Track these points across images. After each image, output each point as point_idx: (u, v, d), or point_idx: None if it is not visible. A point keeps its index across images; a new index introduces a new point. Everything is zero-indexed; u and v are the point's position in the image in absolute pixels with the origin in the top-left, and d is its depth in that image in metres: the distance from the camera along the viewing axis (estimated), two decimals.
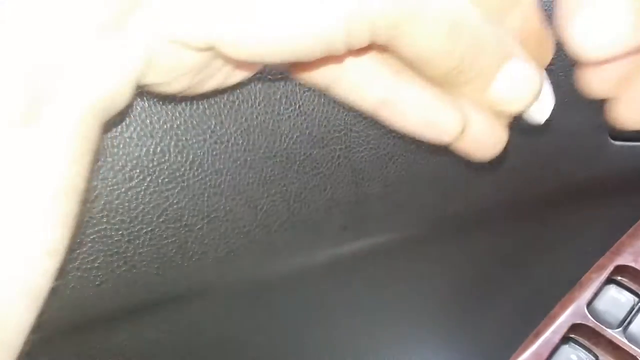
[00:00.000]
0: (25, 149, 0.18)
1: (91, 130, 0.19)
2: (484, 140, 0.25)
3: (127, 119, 0.26)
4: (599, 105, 0.42)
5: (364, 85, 0.24)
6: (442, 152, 0.36)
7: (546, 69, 0.38)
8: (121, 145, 0.26)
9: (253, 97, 0.29)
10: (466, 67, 0.21)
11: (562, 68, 0.39)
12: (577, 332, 0.48)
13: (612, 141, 0.44)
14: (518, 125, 0.38)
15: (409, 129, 0.24)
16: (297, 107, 0.30)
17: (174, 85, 0.21)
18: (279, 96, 0.30)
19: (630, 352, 0.45)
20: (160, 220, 0.28)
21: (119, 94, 0.19)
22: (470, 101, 0.23)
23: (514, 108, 0.23)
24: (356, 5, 0.18)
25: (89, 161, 0.19)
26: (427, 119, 0.23)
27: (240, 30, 0.18)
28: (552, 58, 0.39)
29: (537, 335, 0.49)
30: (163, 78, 0.21)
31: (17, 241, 0.18)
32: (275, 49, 0.18)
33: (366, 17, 0.18)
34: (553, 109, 0.41)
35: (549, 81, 0.24)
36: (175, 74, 0.21)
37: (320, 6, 0.18)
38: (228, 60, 0.21)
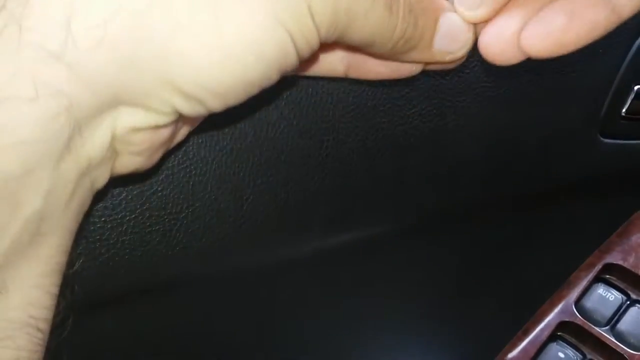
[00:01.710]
0: None
1: None
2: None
3: None
4: (589, 102, 0.42)
5: (330, 60, 0.26)
6: (430, 147, 0.36)
7: (536, 64, 0.38)
8: None
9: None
10: (410, 34, 0.22)
11: (552, 63, 0.39)
12: (565, 330, 0.48)
13: (602, 139, 0.44)
14: (506, 120, 0.38)
15: (377, 78, 0.27)
16: (285, 96, 0.30)
17: (150, 160, 0.22)
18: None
19: (618, 350, 0.45)
20: (144, 207, 0.28)
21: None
22: (418, 61, 0.25)
23: (459, 55, 0.24)
24: (296, 28, 0.18)
25: None
26: (391, 68, 0.26)
27: (204, 87, 0.18)
28: None
29: (525, 333, 0.49)
30: (134, 165, 0.21)
31: None
32: (241, 87, 0.19)
33: (307, 35, 0.19)
34: (543, 106, 0.41)
35: None
36: (147, 156, 0.21)
37: (266, 37, 0.18)
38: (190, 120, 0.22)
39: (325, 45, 0.24)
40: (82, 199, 0.20)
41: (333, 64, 0.26)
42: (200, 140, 0.29)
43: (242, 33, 0.18)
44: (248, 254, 0.32)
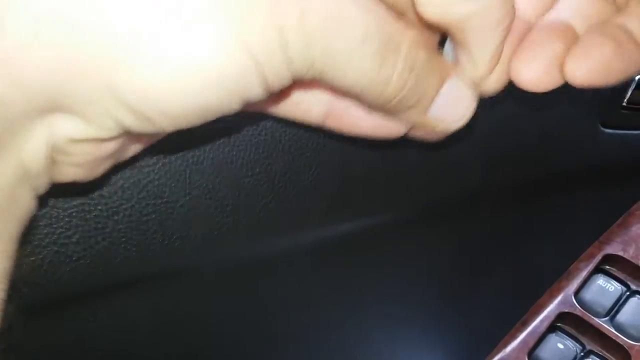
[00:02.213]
0: None
1: None
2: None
3: None
4: (590, 92, 0.41)
5: (306, 102, 0.23)
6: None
7: None
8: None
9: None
10: (405, 94, 0.20)
11: None
12: (565, 321, 0.48)
13: (603, 129, 0.43)
14: (506, 110, 0.38)
15: (358, 133, 0.24)
16: None
17: (94, 172, 0.20)
18: None
19: (617, 340, 0.45)
20: (141, 196, 0.28)
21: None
22: (407, 122, 0.23)
23: (453, 127, 0.23)
24: (264, 57, 0.17)
25: None
26: (373, 123, 0.24)
27: (156, 108, 0.17)
28: None
29: (525, 324, 0.49)
30: (77, 175, 0.19)
31: None
32: (195, 110, 0.17)
33: (276, 66, 0.17)
34: (543, 96, 0.40)
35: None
36: (90, 167, 0.20)
37: (228, 61, 0.16)
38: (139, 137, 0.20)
39: (303, 84, 0.22)
40: (23, 204, 0.18)
41: (309, 107, 0.24)
42: (197, 128, 0.28)
43: (201, 52, 0.16)
44: (245, 244, 0.32)
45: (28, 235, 0.26)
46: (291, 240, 0.34)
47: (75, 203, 0.26)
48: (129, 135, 0.18)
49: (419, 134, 0.25)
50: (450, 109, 0.22)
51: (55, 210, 0.26)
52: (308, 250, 0.36)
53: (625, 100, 0.43)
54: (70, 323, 0.30)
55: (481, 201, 0.42)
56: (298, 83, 0.19)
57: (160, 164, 0.28)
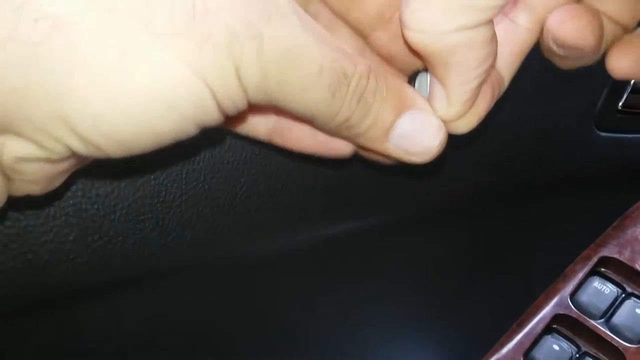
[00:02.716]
0: None
1: None
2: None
3: None
4: (586, 95, 0.42)
5: (253, 120, 0.24)
6: None
7: (533, 57, 0.38)
8: None
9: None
10: (356, 122, 0.21)
11: None
12: (560, 323, 0.48)
13: (599, 132, 0.44)
14: (503, 113, 0.38)
15: (304, 150, 0.24)
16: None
17: (49, 187, 0.20)
18: None
19: (613, 342, 0.45)
20: (137, 195, 0.28)
21: None
22: (370, 149, 0.23)
23: (418, 159, 0.23)
24: (219, 85, 0.17)
25: None
26: (319, 141, 0.24)
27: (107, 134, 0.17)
28: (538, 46, 0.39)
29: (521, 325, 0.49)
30: (30, 189, 0.19)
31: None
32: (148, 138, 0.17)
33: (232, 94, 0.18)
34: (539, 99, 0.41)
35: None
36: (42, 183, 0.19)
37: (181, 90, 0.17)
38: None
39: (258, 108, 0.23)
40: None
41: (256, 125, 0.24)
42: None
43: (151, 81, 0.16)
44: (242, 244, 0.32)
45: (24, 234, 0.26)
46: (288, 240, 0.34)
47: (71, 202, 0.27)
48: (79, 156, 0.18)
49: (374, 159, 0.25)
50: (412, 140, 0.22)
51: (52, 208, 0.26)
52: (305, 250, 0.36)
53: (621, 103, 0.44)
54: (67, 321, 0.30)
55: (477, 203, 0.43)
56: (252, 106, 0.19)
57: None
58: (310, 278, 0.38)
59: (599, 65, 0.41)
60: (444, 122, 0.22)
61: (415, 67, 0.24)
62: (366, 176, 0.34)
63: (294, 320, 0.39)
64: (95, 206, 0.27)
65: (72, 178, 0.24)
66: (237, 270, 0.34)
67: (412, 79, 0.24)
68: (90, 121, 0.16)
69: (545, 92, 0.40)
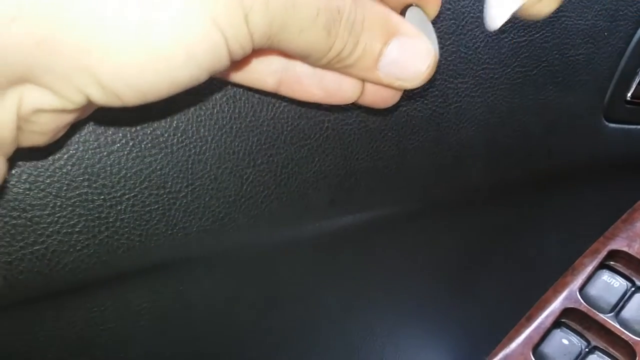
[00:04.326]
0: None
1: None
2: (382, 92, 0.26)
3: None
4: (594, 86, 0.41)
5: (261, 70, 0.25)
6: (433, 129, 0.36)
7: (541, 48, 0.38)
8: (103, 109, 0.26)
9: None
10: (345, 54, 0.22)
11: (556, 47, 0.39)
12: (569, 317, 0.48)
13: (607, 123, 0.43)
14: (510, 103, 0.38)
15: (310, 100, 0.26)
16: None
17: (53, 138, 0.21)
18: None
19: (622, 336, 0.45)
20: (143, 186, 0.28)
21: None
22: (362, 79, 0.24)
23: (409, 84, 0.24)
24: (231, 33, 0.18)
25: None
26: (326, 90, 0.25)
27: (122, 79, 0.17)
28: (545, 36, 0.38)
29: (529, 319, 0.49)
30: (37, 141, 0.20)
31: None
32: (174, 76, 0.18)
33: (241, 39, 0.19)
34: (547, 90, 0.40)
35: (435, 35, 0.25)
36: (50, 135, 0.20)
37: (199, 39, 0.18)
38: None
39: (259, 52, 0.24)
40: None
41: (263, 75, 0.25)
42: (199, 119, 0.28)
43: (174, 33, 0.17)
44: (248, 235, 0.32)
45: (31, 225, 0.26)
46: (293, 231, 0.34)
47: (78, 192, 0.26)
48: (90, 106, 0.19)
49: (370, 99, 0.26)
50: (402, 66, 0.23)
51: (59, 199, 0.26)
52: (310, 242, 0.36)
53: (629, 94, 0.43)
54: (74, 312, 0.30)
55: (485, 195, 0.42)
56: (255, 52, 0.20)
57: (163, 154, 0.28)
58: (316, 269, 0.38)
59: (607, 55, 0.41)
60: (528, 7, 0.23)
61: (405, 3, 0.25)
62: (373, 167, 0.34)
63: (298, 312, 0.39)
64: (102, 197, 0.27)
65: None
66: (243, 260, 0.34)
67: (402, 13, 0.25)
68: (113, 71, 0.17)
69: (553, 83, 0.39)
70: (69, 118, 0.20)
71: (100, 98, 0.18)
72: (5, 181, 0.24)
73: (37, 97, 0.18)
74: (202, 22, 0.17)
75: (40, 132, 0.19)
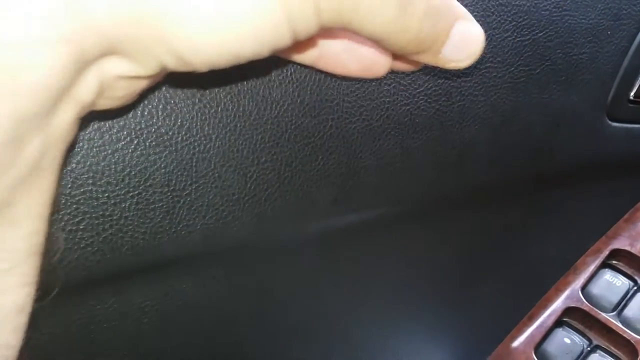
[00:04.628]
0: None
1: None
2: (407, 66, 0.28)
3: None
4: (597, 85, 0.41)
5: (302, 45, 0.26)
6: (436, 128, 0.36)
7: (544, 47, 0.38)
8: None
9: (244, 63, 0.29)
10: (423, 39, 0.22)
11: (559, 45, 0.39)
12: (571, 316, 0.48)
13: (610, 122, 0.43)
14: (513, 102, 0.38)
15: (346, 74, 0.27)
16: (289, 74, 0.30)
17: (125, 103, 0.23)
18: (270, 62, 0.29)
19: (625, 335, 0.45)
20: (147, 184, 0.28)
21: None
22: (422, 62, 0.25)
23: (462, 65, 0.25)
24: (298, 15, 0.19)
25: (49, 209, 0.20)
26: (362, 64, 0.26)
27: (197, 46, 0.19)
28: (549, 35, 0.38)
29: (531, 318, 0.49)
30: (111, 105, 0.22)
31: None
32: (239, 49, 0.20)
33: (307, 21, 0.20)
34: (550, 88, 0.40)
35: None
36: (123, 99, 0.22)
37: (267, 19, 0.19)
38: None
39: (326, 33, 0.25)
40: (71, 137, 0.21)
41: (305, 50, 0.26)
42: (203, 117, 0.29)
43: (243, 11, 0.18)
44: (251, 233, 0.32)
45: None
46: (297, 229, 0.34)
47: (82, 190, 0.27)
48: (162, 72, 0.21)
49: (404, 68, 0.28)
50: (460, 49, 0.24)
51: (63, 197, 0.26)
52: (313, 240, 0.36)
53: (632, 94, 0.43)
54: (77, 309, 0.30)
55: (488, 194, 0.42)
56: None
57: (167, 152, 0.28)
58: (319, 267, 0.38)
59: (610, 55, 0.41)
60: None
61: None
62: (376, 166, 0.34)
63: (300, 311, 0.39)
64: (106, 195, 0.27)
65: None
66: (246, 258, 0.34)
67: None
68: (187, 43, 0.19)
69: (556, 82, 0.39)
70: (143, 84, 0.22)
71: (174, 66, 0.20)
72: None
73: (119, 65, 0.20)
74: (271, 3, 0.19)
75: (116, 97, 0.21)
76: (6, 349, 0.20)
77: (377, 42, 0.22)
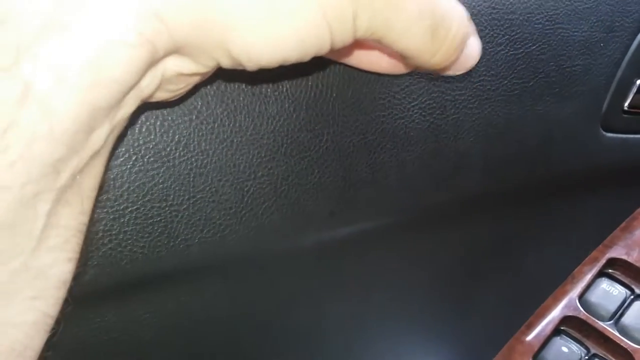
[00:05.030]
0: None
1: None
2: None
3: None
4: (591, 96, 0.42)
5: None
6: (431, 141, 0.36)
7: (537, 59, 0.39)
8: None
9: (239, 79, 0.29)
10: (446, 59, 0.24)
11: (552, 58, 0.39)
12: (569, 325, 0.48)
13: (604, 132, 0.44)
14: (507, 114, 0.38)
15: (375, 70, 0.30)
16: (284, 90, 0.31)
17: (177, 96, 0.25)
18: (265, 78, 0.30)
19: (622, 344, 0.46)
20: (146, 199, 0.28)
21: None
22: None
23: (454, 73, 0.27)
24: (338, 28, 0.21)
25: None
26: (389, 62, 0.29)
27: (255, 48, 0.21)
28: (542, 47, 0.39)
29: (529, 327, 0.49)
30: (165, 97, 0.24)
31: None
32: (284, 56, 0.22)
33: (345, 34, 0.22)
34: (544, 100, 0.41)
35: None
36: (178, 92, 0.24)
37: (311, 31, 0.21)
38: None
39: (359, 43, 0.28)
40: (124, 127, 0.23)
41: (339, 50, 0.28)
42: (200, 133, 0.29)
43: (291, 22, 0.21)
44: (249, 247, 0.32)
45: None
46: (294, 242, 0.34)
47: None
48: (215, 70, 0.23)
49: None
50: (463, 63, 0.26)
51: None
52: (310, 253, 0.36)
53: (627, 104, 0.44)
54: (77, 322, 0.31)
55: (484, 205, 0.43)
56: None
57: (165, 167, 0.28)
58: (316, 280, 0.38)
59: (604, 65, 0.41)
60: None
61: None
62: (372, 179, 0.35)
63: (300, 323, 0.39)
64: (105, 210, 0.28)
65: None
66: (244, 271, 0.35)
67: None
68: (242, 48, 0.21)
69: (550, 94, 0.40)
70: (197, 79, 0.24)
71: (228, 65, 0.22)
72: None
73: (180, 63, 0.22)
74: (314, 16, 0.21)
75: (171, 90, 0.24)
76: (49, 319, 0.22)
77: (402, 56, 0.24)
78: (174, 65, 0.22)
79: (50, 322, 0.22)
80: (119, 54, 0.19)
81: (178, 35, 0.20)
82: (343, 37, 0.22)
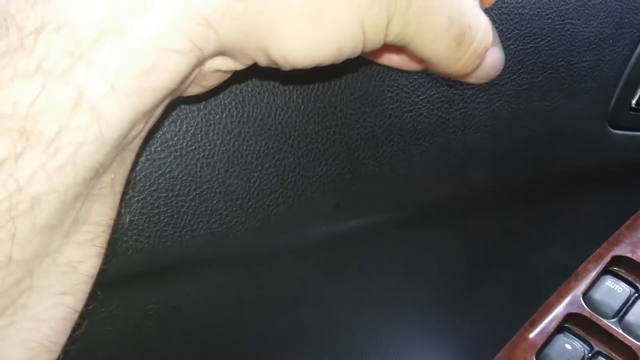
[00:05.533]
0: None
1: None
2: None
3: None
4: (599, 93, 0.42)
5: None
6: (439, 135, 0.36)
7: (546, 55, 0.38)
8: None
9: (248, 69, 0.29)
10: (468, 68, 0.25)
11: (561, 53, 0.39)
12: (573, 322, 0.48)
13: (612, 130, 0.43)
14: (515, 110, 0.38)
15: (389, 65, 0.30)
16: (293, 81, 0.30)
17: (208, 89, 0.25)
18: (274, 69, 0.30)
19: (625, 342, 0.45)
20: (152, 189, 0.28)
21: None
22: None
23: (479, 81, 0.27)
24: (372, 35, 0.22)
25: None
26: (402, 58, 0.29)
27: (295, 49, 0.22)
28: (551, 43, 0.39)
29: (533, 324, 0.49)
30: (197, 91, 0.24)
31: None
32: (320, 60, 0.22)
33: (377, 39, 0.22)
34: (552, 96, 0.41)
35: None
36: (211, 87, 0.25)
37: (348, 36, 0.22)
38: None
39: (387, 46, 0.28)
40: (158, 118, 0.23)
41: None
42: (208, 124, 0.29)
43: (331, 31, 0.21)
44: (255, 238, 0.32)
45: None
46: (299, 234, 0.34)
47: None
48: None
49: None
50: (486, 71, 0.26)
51: None
52: (316, 245, 0.36)
53: (634, 101, 0.44)
54: (83, 313, 0.31)
55: (489, 201, 0.43)
56: None
57: (172, 157, 0.28)
58: (321, 272, 0.38)
59: (612, 63, 0.41)
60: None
61: None
62: (379, 172, 0.35)
63: (302, 317, 0.39)
64: None
65: None
66: (249, 263, 0.34)
67: None
68: (282, 52, 0.21)
69: (559, 90, 0.40)
70: (230, 74, 0.24)
71: (264, 63, 0.22)
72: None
73: (220, 61, 0.22)
74: (352, 26, 0.21)
75: (205, 85, 0.24)
76: (76, 314, 0.22)
77: (425, 62, 0.25)
78: (214, 63, 0.22)
79: (75, 317, 0.22)
80: (170, 61, 0.19)
81: (225, 40, 0.21)
82: (374, 43, 0.22)
